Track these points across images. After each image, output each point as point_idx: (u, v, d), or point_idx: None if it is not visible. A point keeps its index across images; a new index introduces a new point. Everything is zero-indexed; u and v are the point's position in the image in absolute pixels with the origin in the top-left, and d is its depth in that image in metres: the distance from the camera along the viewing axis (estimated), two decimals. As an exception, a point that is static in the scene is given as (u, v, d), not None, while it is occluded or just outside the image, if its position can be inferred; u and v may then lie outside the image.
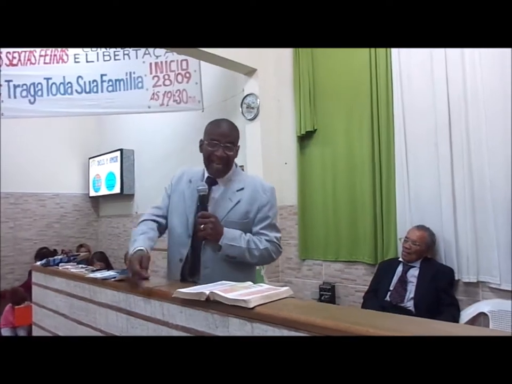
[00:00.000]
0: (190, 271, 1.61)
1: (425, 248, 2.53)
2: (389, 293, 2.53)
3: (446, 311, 2.34)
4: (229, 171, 1.64)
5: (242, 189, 1.61)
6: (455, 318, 2.33)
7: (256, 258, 1.56)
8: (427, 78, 2.63)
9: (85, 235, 5.62)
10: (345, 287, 3.09)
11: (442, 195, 2.55)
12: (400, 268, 2.59)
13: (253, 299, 1.09)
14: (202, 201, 1.57)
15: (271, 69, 3.45)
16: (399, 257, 2.66)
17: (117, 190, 5.06)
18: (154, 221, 1.70)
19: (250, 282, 1.33)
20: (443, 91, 2.54)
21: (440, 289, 2.42)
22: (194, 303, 1.22)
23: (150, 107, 3.70)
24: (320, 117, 3.26)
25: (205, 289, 1.20)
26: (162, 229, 1.70)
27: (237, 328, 1.11)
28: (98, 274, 1.88)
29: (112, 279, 1.71)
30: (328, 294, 3.05)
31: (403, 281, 2.53)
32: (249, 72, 3.40)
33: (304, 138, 3.34)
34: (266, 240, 1.57)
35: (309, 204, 3.31)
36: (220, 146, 1.57)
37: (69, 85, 3.75)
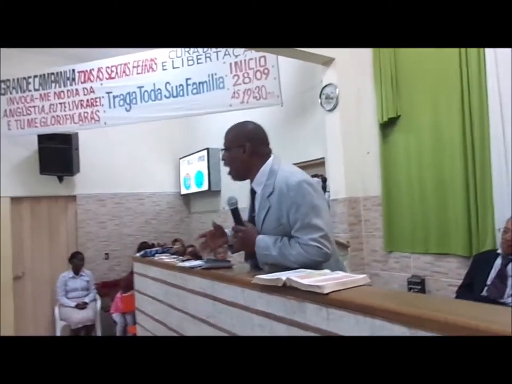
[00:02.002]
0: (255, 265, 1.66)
1: (528, 239, 2.32)
2: (485, 288, 2.36)
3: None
4: (243, 174, 1.61)
5: (272, 193, 1.54)
6: None
7: (295, 263, 1.46)
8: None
9: (179, 230, 6.03)
10: (437, 281, 2.94)
11: (548, 179, 2.31)
12: (499, 261, 2.40)
13: (328, 285, 1.10)
14: (234, 214, 1.57)
15: (348, 57, 3.39)
16: (497, 249, 2.46)
17: (205, 187, 5.31)
18: None
19: (327, 270, 1.34)
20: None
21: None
22: (272, 289, 1.27)
23: (231, 105, 3.83)
24: (403, 103, 3.14)
25: (283, 275, 1.25)
26: None
27: (313, 313, 1.13)
28: (187, 264, 2.05)
29: (199, 268, 1.86)
30: (417, 287, 2.94)
31: (503, 275, 2.34)
32: (327, 61, 3.38)
33: (387, 126, 3.25)
34: (300, 243, 1.46)
35: (394, 193, 3.22)
36: (224, 151, 1.64)
37: (159, 91, 4.07)
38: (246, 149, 1.59)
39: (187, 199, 6.11)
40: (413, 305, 0.93)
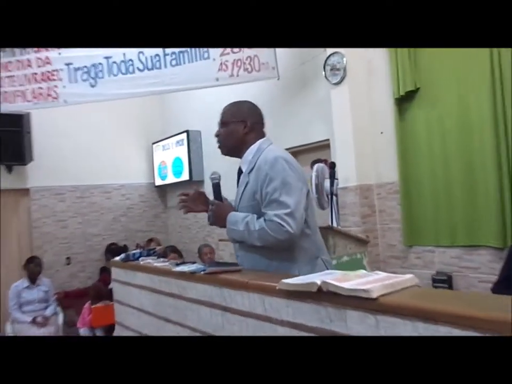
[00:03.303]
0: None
1: None
2: (527, 282, 2.38)
3: None
4: (237, 150, 1.78)
5: (252, 169, 1.71)
6: None
7: (257, 240, 1.63)
8: None
9: (153, 228, 5.96)
10: (466, 277, 2.97)
11: None
12: (539, 251, 2.42)
13: (375, 288, 1.08)
14: (214, 189, 1.77)
15: (358, 20, 3.37)
16: (537, 238, 2.49)
17: (185, 177, 5.28)
18: None
19: (363, 270, 1.32)
20: None
21: None
22: (302, 295, 1.24)
23: (218, 79, 3.76)
24: (423, 73, 3.13)
25: (315, 279, 1.21)
26: None
27: (356, 321, 1.11)
28: (185, 268, 1.94)
29: (202, 272, 1.77)
30: (444, 285, 2.97)
31: (545, 267, 2.36)
32: (332, 26, 3.36)
33: (404, 101, 3.24)
34: (265, 219, 1.61)
35: (414, 178, 3.23)
36: (219, 125, 1.82)
37: (130, 62, 3.94)
38: (246, 125, 1.76)
39: (163, 191, 6.06)
40: (483, 306, 0.92)
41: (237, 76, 3.73)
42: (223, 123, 1.79)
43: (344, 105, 3.37)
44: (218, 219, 1.76)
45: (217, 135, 1.81)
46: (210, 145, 4.98)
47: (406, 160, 3.26)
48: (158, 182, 5.88)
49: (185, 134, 5.22)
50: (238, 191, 1.77)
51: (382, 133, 3.40)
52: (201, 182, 5.24)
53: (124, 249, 5.02)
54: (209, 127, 5.11)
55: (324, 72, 3.46)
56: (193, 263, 2.11)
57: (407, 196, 3.25)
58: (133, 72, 3.93)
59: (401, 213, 3.28)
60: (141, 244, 5.27)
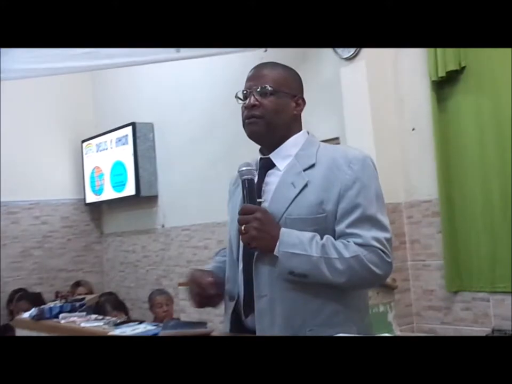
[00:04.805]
0: (244, 304, 1.72)
1: None
2: None
3: None
4: (277, 135, 1.73)
5: (312, 165, 1.68)
6: None
7: (341, 274, 1.57)
8: None
9: (83, 266, 5.86)
10: (535, 338, 2.98)
11: None
12: None
13: None
14: (249, 190, 1.66)
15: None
16: None
17: (129, 190, 5.21)
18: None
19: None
20: None
21: None
22: None
23: (179, 50, 3.75)
24: (469, 49, 3.15)
25: None
26: None
27: None
28: (128, 330, 1.95)
29: (155, 335, 1.77)
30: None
31: None
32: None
33: (445, 85, 3.28)
34: (358, 244, 1.58)
35: (460, 195, 3.25)
36: (250, 94, 1.71)
37: (51, 26, 3.92)
38: (299, 103, 1.76)
39: (97, 211, 6.03)
40: None
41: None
42: (270, 90, 1.70)
43: (360, 89, 3.39)
44: (264, 236, 1.61)
45: (253, 105, 1.70)
46: (168, 143, 4.99)
47: (449, 169, 3.28)
48: (90, 197, 5.82)
49: (130, 128, 5.17)
50: (278, 196, 1.69)
51: (413, 129, 3.42)
52: (154, 198, 5.21)
53: (38, 298, 4.91)
54: (165, 117, 5.16)
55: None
56: (141, 322, 2.13)
57: (451, 220, 3.26)
58: (54, 39, 3.91)
59: (442, 245, 3.28)
60: (62, 291, 5.14)
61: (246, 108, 1.70)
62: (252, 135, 1.74)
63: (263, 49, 3.74)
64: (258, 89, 1.69)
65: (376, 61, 3.43)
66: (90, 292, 5.02)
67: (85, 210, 6.00)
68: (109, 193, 5.57)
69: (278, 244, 1.57)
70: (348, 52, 3.43)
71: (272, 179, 1.73)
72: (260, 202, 1.66)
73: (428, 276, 3.37)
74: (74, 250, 5.92)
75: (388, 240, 1.61)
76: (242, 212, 1.63)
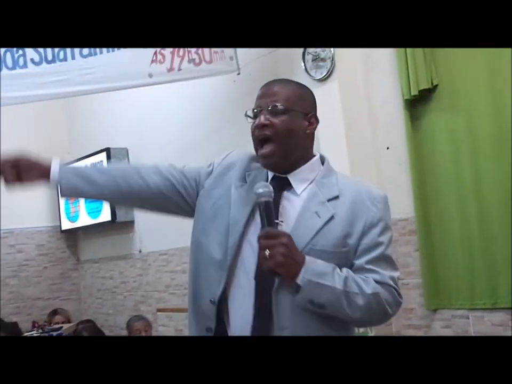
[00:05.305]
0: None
1: None
2: None
3: None
4: (290, 155, 1.69)
5: (336, 197, 1.67)
6: None
7: (359, 310, 1.58)
8: None
9: (60, 294, 5.81)
10: (516, 354, 2.97)
11: None
12: None
13: None
14: (268, 212, 1.59)
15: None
16: None
17: (105, 216, 5.21)
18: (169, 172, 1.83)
19: None
20: None
21: None
22: None
23: (151, 75, 3.70)
24: (444, 65, 3.18)
25: None
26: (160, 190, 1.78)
27: None
28: None
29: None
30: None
31: None
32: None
33: (418, 103, 3.29)
34: (376, 281, 1.60)
35: (436, 212, 3.26)
36: (260, 113, 1.67)
37: (20, 52, 3.86)
38: (312, 122, 1.72)
39: (73, 238, 6.03)
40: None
41: (179, 70, 3.70)
42: (282, 109, 1.66)
43: (334, 109, 3.37)
44: (292, 263, 1.55)
45: (263, 125, 1.66)
46: None
47: (424, 186, 3.28)
48: (66, 225, 5.81)
49: (104, 154, 5.19)
50: (308, 222, 1.64)
51: (388, 148, 3.43)
52: (130, 224, 5.20)
53: (14, 328, 4.80)
54: (140, 142, 5.19)
55: (303, 64, 3.47)
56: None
57: (428, 238, 3.26)
58: (25, 65, 3.81)
59: (420, 263, 3.28)
60: (39, 321, 5.14)
61: (256, 127, 1.67)
62: (266, 164, 1.71)
63: (236, 72, 3.75)
64: (269, 108, 1.65)
65: (349, 82, 3.44)
66: (68, 320, 4.99)
67: (61, 238, 5.99)
68: (85, 220, 5.56)
69: (302, 271, 1.54)
70: (320, 73, 3.43)
71: (291, 203, 1.69)
72: (277, 224, 1.60)
73: (407, 294, 3.26)
74: (50, 278, 5.88)
75: (399, 278, 1.69)
76: (265, 236, 1.55)
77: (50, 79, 3.78)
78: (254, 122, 1.68)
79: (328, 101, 3.39)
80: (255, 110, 1.69)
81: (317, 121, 1.74)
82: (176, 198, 1.80)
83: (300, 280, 1.53)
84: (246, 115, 1.73)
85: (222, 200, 1.73)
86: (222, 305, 1.65)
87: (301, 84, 1.81)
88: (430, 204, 3.29)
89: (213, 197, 1.75)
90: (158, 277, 5.02)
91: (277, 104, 1.65)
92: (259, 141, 1.67)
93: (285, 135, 1.64)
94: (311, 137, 1.74)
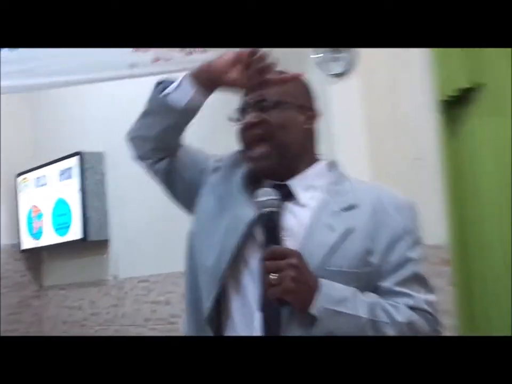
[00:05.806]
0: None
1: None
2: None
3: None
4: (289, 156, 1.64)
5: (353, 206, 1.58)
6: None
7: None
8: None
9: (18, 326, 5.63)
10: None
11: None
12: None
13: None
14: (272, 226, 1.52)
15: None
16: None
17: (74, 234, 5.01)
18: None
19: None
20: None
21: None
22: None
23: (133, 66, 3.62)
24: (488, 61, 3.06)
25: None
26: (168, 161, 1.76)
27: None
28: None
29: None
30: None
31: None
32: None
33: (455, 106, 3.17)
34: (410, 306, 1.50)
35: (475, 240, 3.12)
36: (247, 111, 1.64)
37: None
38: (311, 118, 1.66)
39: (35, 259, 5.77)
40: None
41: (166, 60, 3.61)
42: (273, 102, 1.61)
43: (352, 111, 3.28)
44: (302, 287, 1.45)
45: (256, 123, 1.60)
46: (122, 176, 4.83)
47: (461, 207, 3.17)
48: (27, 243, 5.56)
49: (75, 159, 4.94)
50: (318, 236, 1.56)
51: (418, 159, 3.27)
52: (104, 243, 4.95)
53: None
54: (118, 146, 4.86)
55: (316, 57, 3.30)
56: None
57: (465, 270, 3.12)
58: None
59: (456, 301, 3.11)
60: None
61: (244, 128, 1.62)
62: (262, 165, 1.62)
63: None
64: (256, 103, 1.63)
65: (372, 78, 3.30)
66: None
67: (20, 258, 5.75)
68: (50, 238, 5.34)
69: (317, 298, 1.43)
70: (337, 67, 3.27)
71: (295, 216, 1.58)
72: (280, 241, 1.54)
73: (440, 338, 3.15)
74: (7, 307, 5.56)
75: (435, 304, 1.61)
76: (271, 256, 1.45)
77: (11, 67, 3.57)
78: (240, 123, 1.66)
79: (346, 101, 3.36)
80: (240, 110, 1.66)
81: (317, 114, 1.69)
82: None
83: (314, 309, 1.44)
84: (230, 118, 1.67)
85: (219, 201, 1.70)
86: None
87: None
88: (469, 228, 3.19)
89: (212, 194, 1.73)
90: (136, 309, 4.84)
91: (265, 98, 1.62)
92: (249, 142, 1.62)
93: (279, 131, 1.61)
94: (311, 134, 1.69)
